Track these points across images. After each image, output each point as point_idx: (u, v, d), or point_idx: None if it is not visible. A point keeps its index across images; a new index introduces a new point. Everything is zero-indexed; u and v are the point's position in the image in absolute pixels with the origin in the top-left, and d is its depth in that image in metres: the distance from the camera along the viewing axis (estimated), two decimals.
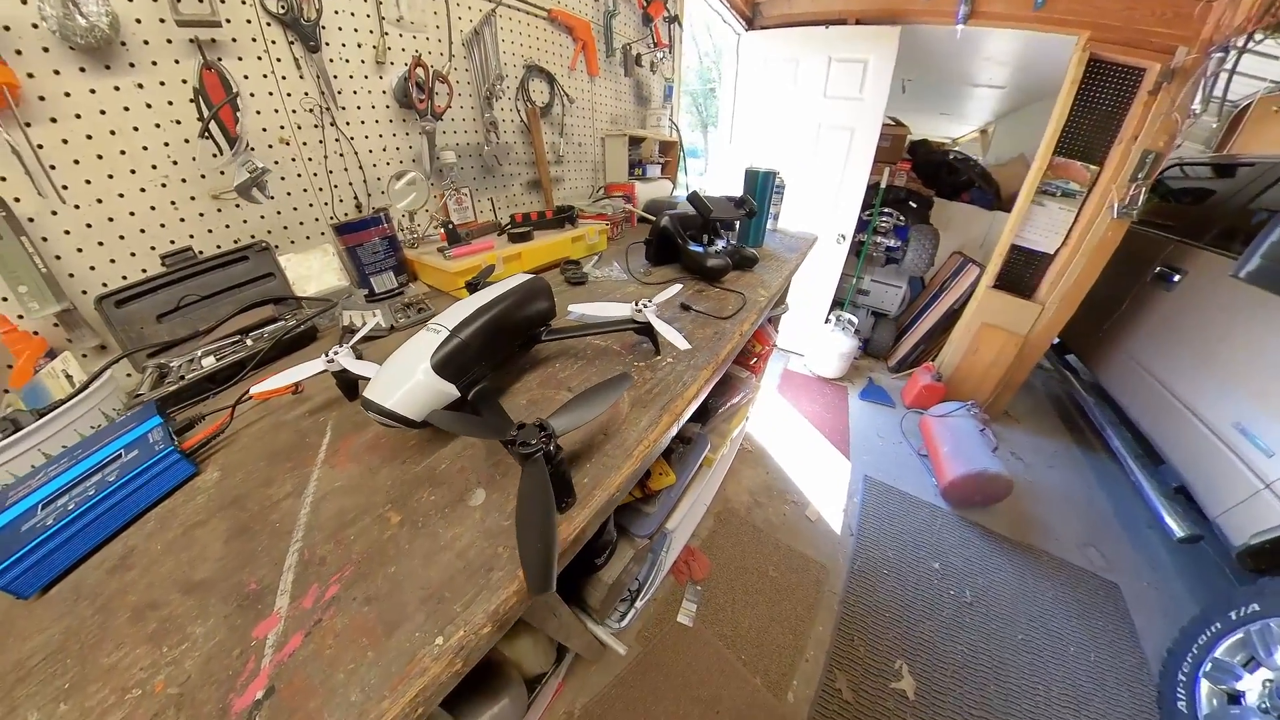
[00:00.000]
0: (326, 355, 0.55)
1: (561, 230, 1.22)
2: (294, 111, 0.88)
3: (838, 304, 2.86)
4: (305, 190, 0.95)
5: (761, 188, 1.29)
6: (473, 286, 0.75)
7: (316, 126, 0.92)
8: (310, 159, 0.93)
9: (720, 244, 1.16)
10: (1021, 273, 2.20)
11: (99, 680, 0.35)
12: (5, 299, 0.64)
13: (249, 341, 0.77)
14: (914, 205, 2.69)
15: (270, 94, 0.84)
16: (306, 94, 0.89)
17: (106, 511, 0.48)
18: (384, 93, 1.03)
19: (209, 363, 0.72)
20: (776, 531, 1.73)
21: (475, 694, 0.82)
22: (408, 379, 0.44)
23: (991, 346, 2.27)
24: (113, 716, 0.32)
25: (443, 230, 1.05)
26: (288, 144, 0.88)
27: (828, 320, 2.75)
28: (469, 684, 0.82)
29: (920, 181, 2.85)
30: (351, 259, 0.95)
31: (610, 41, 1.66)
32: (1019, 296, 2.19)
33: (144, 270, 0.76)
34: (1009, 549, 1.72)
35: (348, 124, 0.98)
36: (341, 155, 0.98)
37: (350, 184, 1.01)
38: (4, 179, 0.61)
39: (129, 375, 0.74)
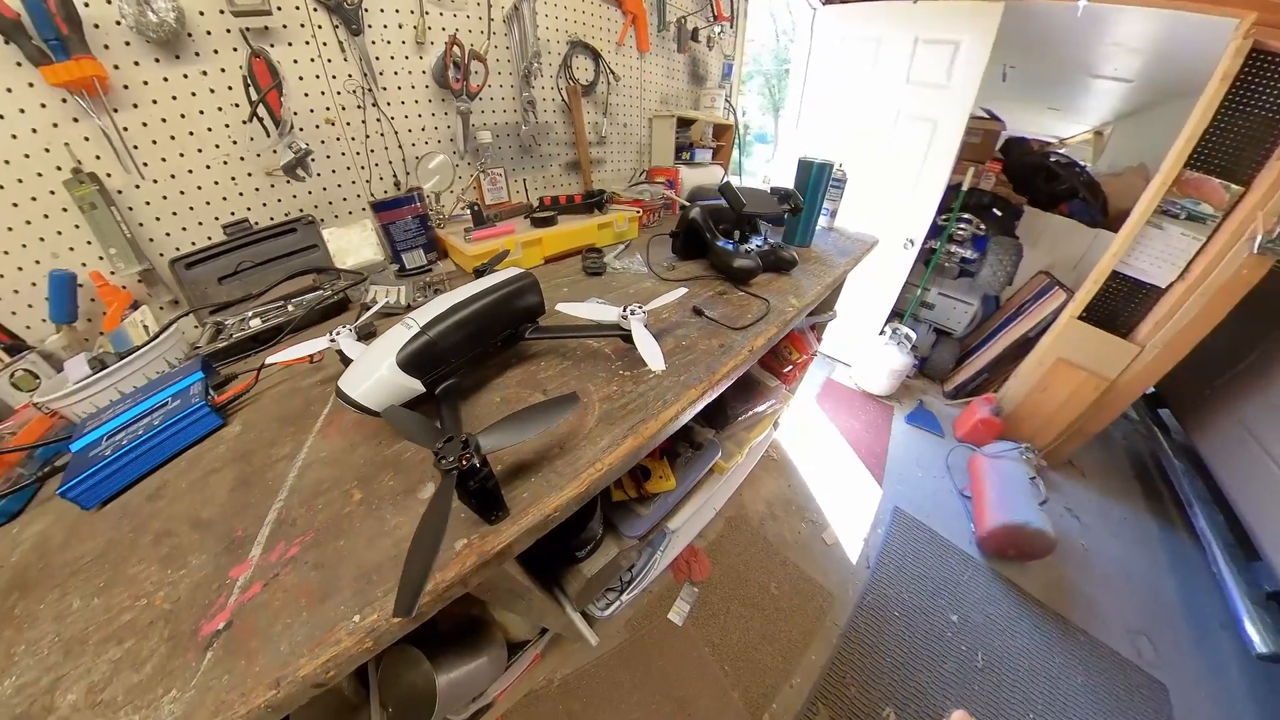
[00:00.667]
0: (330, 335, 0.60)
1: (589, 216, 1.19)
2: (338, 93, 0.94)
3: (896, 315, 2.62)
4: (348, 168, 1.02)
5: (814, 181, 1.16)
6: (480, 272, 0.77)
7: (359, 107, 0.97)
8: (353, 138, 0.99)
9: (755, 242, 1.06)
10: (1120, 306, 1.86)
11: (122, 585, 0.42)
12: (101, 258, 0.76)
13: (290, 307, 0.86)
14: (998, 213, 2.38)
15: (316, 77, 0.90)
16: (350, 76, 0.94)
17: (150, 449, 0.57)
18: (423, 73, 1.06)
19: (255, 324, 0.81)
20: (788, 549, 1.67)
21: (459, 646, 0.88)
22: (375, 372, 0.48)
23: (1065, 386, 1.97)
24: (125, 615, 0.40)
25: (470, 211, 1.09)
26: (333, 124, 0.95)
27: (883, 332, 2.53)
28: (455, 635, 0.90)
29: (1011, 186, 2.50)
30: (386, 235, 1.01)
31: (664, 14, 1.56)
32: (1112, 333, 1.86)
33: (209, 238, 0.87)
34: (1042, 617, 1.52)
35: (388, 104, 1.02)
36: (382, 135, 1.03)
37: (390, 162, 1.07)
38: (98, 157, 0.72)
39: (195, 328, 0.86)
